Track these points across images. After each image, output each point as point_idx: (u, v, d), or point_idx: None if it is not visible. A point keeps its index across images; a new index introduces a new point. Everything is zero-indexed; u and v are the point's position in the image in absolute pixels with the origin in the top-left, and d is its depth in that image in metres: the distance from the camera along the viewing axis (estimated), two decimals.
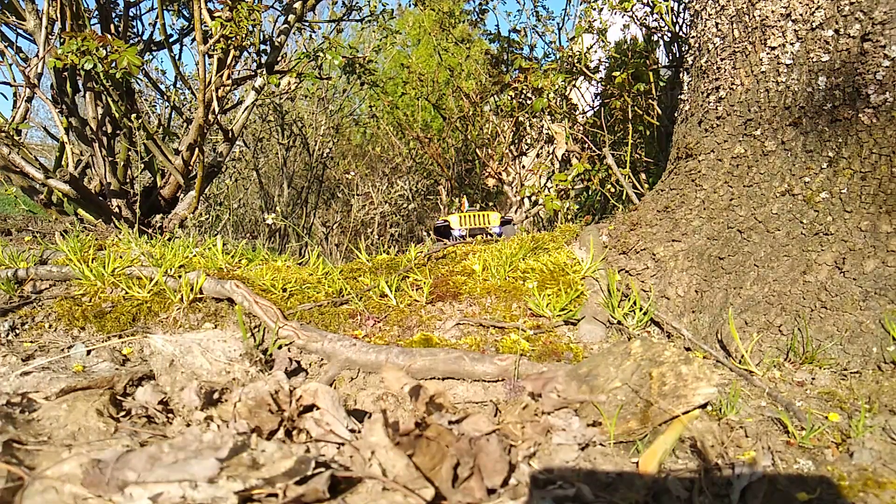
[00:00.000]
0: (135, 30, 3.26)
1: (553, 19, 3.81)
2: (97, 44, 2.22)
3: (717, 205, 1.69)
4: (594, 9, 2.86)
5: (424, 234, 4.55)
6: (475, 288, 1.80)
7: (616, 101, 2.83)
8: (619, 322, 1.66)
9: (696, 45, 1.86)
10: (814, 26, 1.51)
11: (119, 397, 1.23)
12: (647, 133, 2.98)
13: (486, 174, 4.02)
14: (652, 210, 1.89)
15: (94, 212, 2.78)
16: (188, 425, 1.11)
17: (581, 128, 3.13)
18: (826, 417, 1.19)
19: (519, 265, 1.89)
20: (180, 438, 0.97)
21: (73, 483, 0.88)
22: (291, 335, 1.58)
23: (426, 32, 5.58)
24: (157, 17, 2.97)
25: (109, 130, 2.93)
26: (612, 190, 2.76)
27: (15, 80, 2.69)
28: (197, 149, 2.81)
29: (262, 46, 3.02)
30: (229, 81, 2.84)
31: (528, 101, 3.24)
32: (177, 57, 3.15)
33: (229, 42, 2.58)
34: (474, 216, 2.81)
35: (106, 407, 1.15)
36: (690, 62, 1.92)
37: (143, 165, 3.19)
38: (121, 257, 1.94)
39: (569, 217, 3.25)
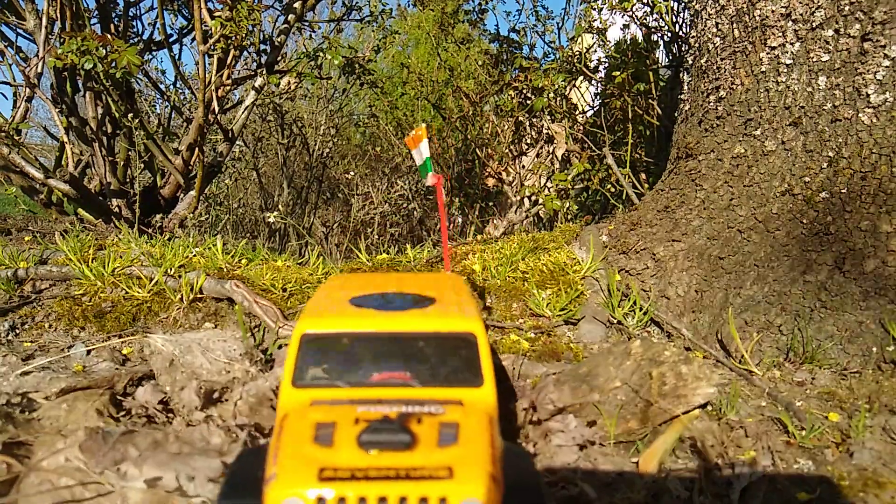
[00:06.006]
0: (135, 29, 3.26)
1: (553, 19, 3.80)
2: (97, 43, 2.22)
3: (717, 204, 1.69)
4: (594, 8, 2.86)
5: (424, 233, 4.56)
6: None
7: (616, 100, 2.83)
8: (619, 322, 1.66)
9: (696, 44, 1.86)
10: (814, 26, 1.51)
11: (119, 397, 1.23)
12: (647, 133, 2.98)
13: (486, 174, 4.01)
14: (652, 210, 1.89)
15: (94, 211, 2.78)
16: (188, 425, 1.11)
17: (581, 127, 3.13)
18: (826, 417, 1.19)
19: (519, 265, 1.89)
20: (187, 433, 0.97)
21: (68, 476, 0.88)
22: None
23: (425, 33, 5.59)
24: (156, 17, 2.97)
25: (109, 130, 2.93)
26: (612, 190, 2.76)
27: (15, 80, 2.68)
28: (197, 148, 2.81)
29: (262, 46, 3.02)
30: (229, 81, 2.84)
31: (528, 101, 3.24)
32: (177, 57, 3.15)
33: (229, 42, 2.58)
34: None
35: (106, 407, 1.15)
36: (690, 62, 1.92)
37: (142, 165, 3.18)
38: (121, 257, 1.93)
39: (569, 217, 3.25)
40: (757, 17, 1.61)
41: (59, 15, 2.55)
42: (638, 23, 2.85)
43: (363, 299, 0.93)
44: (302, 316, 0.87)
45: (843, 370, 1.37)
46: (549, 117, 3.17)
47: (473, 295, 1.00)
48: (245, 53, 3.04)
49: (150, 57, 3.38)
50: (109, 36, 2.35)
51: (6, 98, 3.02)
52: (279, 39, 3.04)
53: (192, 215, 2.95)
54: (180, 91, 3.74)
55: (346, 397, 0.80)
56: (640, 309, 1.65)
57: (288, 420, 0.74)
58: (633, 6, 2.65)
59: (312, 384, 0.82)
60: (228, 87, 2.88)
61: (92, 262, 1.90)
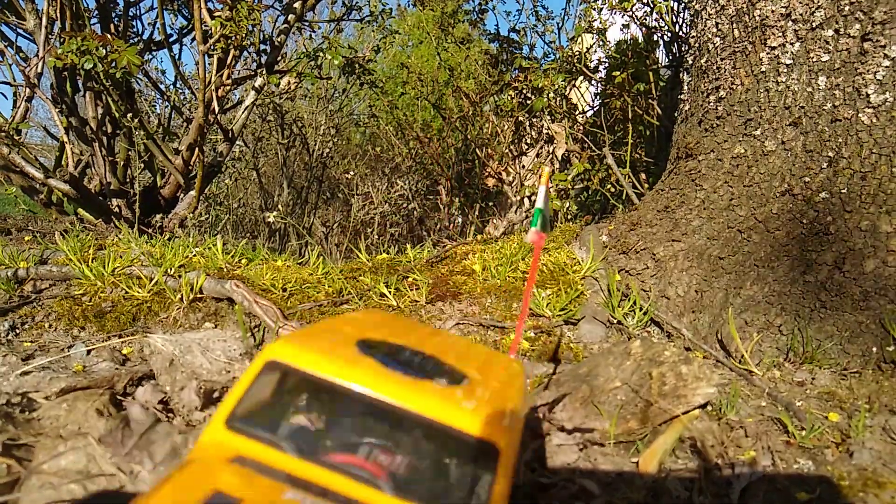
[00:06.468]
0: (135, 29, 3.26)
1: (553, 19, 3.81)
2: (97, 43, 2.22)
3: (717, 205, 1.69)
4: (594, 9, 2.86)
5: (424, 233, 4.55)
6: (475, 288, 1.80)
7: (616, 100, 2.83)
8: (619, 322, 1.66)
9: (696, 44, 1.86)
10: (814, 26, 1.51)
11: (119, 397, 1.23)
12: (647, 133, 2.98)
13: (486, 174, 4.02)
14: (652, 210, 1.89)
15: (94, 211, 2.78)
16: (188, 425, 1.11)
17: (581, 128, 3.13)
18: (826, 417, 1.19)
19: (519, 265, 1.89)
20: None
21: (69, 478, 0.88)
22: None
23: (425, 32, 5.59)
24: (156, 17, 2.97)
25: (109, 130, 2.93)
26: (612, 190, 2.76)
27: (15, 80, 2.69)
28: (197, 148, 2.81)
29: (262, 46, 3.02)
30: (229, 81, 2.84)
31: (528, 101, 3.24)
32: (177, 57, 3.15)
33: (229, 42, 2.58)
34: None
35: (106, 406, 1.15)
36: (690, 62, 1.92)
37: (142, 165, 3.18)
38: (121, 257, 1.93)
39: (569, 217, 3.25)
40: (757, 17, 1.61)
41: (59, 15, 2.55)
42: (638, 23, 2.85)
43: (375, 345, 0.67)
44: (281, 337, 0.62)
45: (843, 370, 1.37)
46: (549, 117, 3.17)
47: (524, 395, 0.72)
48: (245, 53, 3.04)
49: (150, 57, 3.38)
50: (109, 36, 2.35)
51: (6, 98, 3.02)
52: (279, 39, 3.05)
53: (192, 215, 2.95)
54: (180, 91, 3.75)
55: (282, 468, 0.55)
56: (640, 309, 1.65)
57: (184, 472, 0.51)
58: (633, 6, 2.65)
59: (250, 432, 0.57)
60: (228, 87, 2.88)
61: (92, 262, 1.90)
